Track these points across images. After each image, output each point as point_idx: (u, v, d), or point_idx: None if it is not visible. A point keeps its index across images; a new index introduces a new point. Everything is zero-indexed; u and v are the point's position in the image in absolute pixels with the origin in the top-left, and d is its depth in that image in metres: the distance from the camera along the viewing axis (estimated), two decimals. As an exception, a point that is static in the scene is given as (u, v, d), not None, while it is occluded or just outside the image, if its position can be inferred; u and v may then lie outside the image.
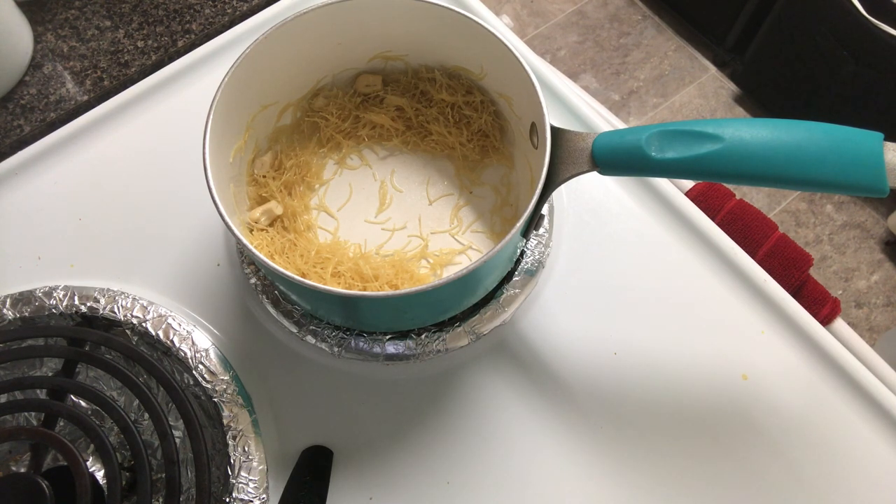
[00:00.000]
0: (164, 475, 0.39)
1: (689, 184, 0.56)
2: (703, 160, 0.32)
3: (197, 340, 0.44)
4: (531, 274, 0.46)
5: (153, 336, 0.43)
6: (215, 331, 0.46)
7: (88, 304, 0.44)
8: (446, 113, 0.48)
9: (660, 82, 1.59)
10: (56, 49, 0.57)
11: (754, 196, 1.43)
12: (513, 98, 0.44)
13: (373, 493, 0.41)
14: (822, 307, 0.51)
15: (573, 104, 0.53)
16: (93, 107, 0.53)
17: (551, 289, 0.47)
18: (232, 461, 0.40)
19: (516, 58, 0.39)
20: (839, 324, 0.51)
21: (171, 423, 0.40)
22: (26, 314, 0.44)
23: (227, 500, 0.39)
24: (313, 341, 0.44)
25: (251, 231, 0.44)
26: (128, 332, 0.44)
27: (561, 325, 0.46)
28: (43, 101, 0.54)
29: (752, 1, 1.41)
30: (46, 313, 0.44)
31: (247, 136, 0.43)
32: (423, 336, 0.44)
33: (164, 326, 0.44)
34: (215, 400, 0.42)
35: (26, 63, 0.56)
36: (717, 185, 0.56)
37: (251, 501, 0.40)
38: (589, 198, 0.50)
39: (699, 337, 0.46)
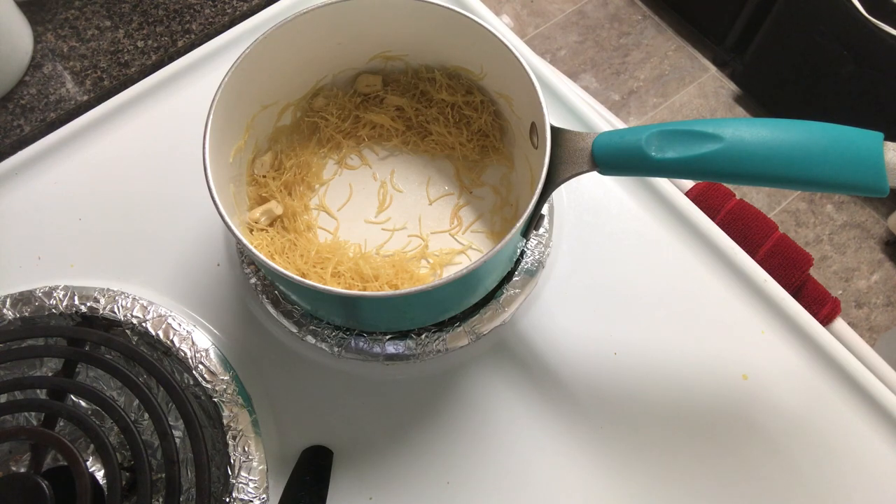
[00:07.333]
0: (164, 475, 0.39)
1: (689, 184, 0.56)
2: (703, 160, 0.32)
3: (197, 340, 0.44)
4: (531, 274, 0.46)
5: (153, 336, 0.43)
6: (215, 331, 0.46)
7: (88, 304, 0.44)
8: (446, 113, 0.48)
9: (660, 82, 1.58)
10: (56, 49, 0.57)
11: (754, 196, 1.43)
12: (513, 98, 0.44)
13: (373, 493, 0.41)
14: (822, 307, 0.51)
15: (573, 104, 0.53)
16: (93, 107, 0.53)
17: (551, 289, 0.47)
18: (232, 461, 0.40)
19: (516, 58, 0.39)
20: (839, 324, 0.51)
21: (171, 423, 0.40)
22: (26, 314, 0.44)
23: (227, 500, 0.39)
24: (313, 341, 0.44)
25: (251, 231, 0.44)
26: (128, 332, 0.44)
27: (561, 325, 0.46)
28: (43, 101, 0.54)
29: (752, 1, 1.41)
30: (46, 313, 0.44)
31: (247, 136, 0.44)
32: (423, 336, 0.44)
33: (164, 326, 0.44)
34: (215, 400, 0.42)
35: (26, 63, 0.56)
36: (717, 185, 0.56)
37: (251, 501, 0.40)
38: (589, 198, 0.50)
39: (699, 337, 0.46)
